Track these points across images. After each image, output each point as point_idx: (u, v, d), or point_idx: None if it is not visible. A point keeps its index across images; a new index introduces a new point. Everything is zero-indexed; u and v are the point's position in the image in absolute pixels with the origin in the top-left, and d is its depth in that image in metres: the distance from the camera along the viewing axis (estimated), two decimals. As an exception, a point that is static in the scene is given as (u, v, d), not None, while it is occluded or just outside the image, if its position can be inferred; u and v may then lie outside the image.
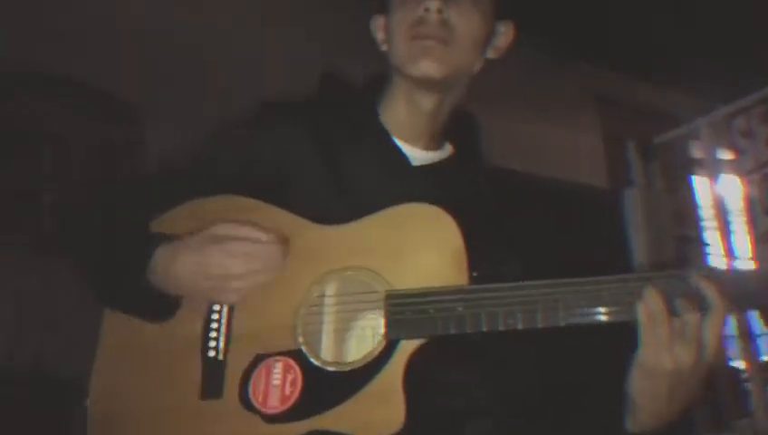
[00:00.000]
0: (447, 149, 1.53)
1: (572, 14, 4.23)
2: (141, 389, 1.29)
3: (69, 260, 1.42)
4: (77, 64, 3.27)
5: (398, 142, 1.44)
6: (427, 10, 1.36)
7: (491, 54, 1.49)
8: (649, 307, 1.13)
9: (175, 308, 1.31)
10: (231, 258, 1.26)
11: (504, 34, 1.50)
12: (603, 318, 1.17)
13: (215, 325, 1.29)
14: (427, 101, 1.43)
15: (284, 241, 1.29)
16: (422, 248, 1.25)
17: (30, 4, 3.15)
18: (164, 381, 1.28)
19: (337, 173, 1.38)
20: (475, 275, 1.24)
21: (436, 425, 1.24)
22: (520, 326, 1.18)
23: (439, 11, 1.36)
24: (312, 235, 1.30)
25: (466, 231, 1.26)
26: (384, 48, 1.47)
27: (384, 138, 1.44)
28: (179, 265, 1.27)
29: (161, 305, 1.31)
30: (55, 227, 1.45)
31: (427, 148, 1.48)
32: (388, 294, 1.23)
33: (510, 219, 1.50)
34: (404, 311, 1.22)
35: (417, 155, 1.45)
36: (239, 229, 1.28)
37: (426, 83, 1.39)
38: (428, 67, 1.36)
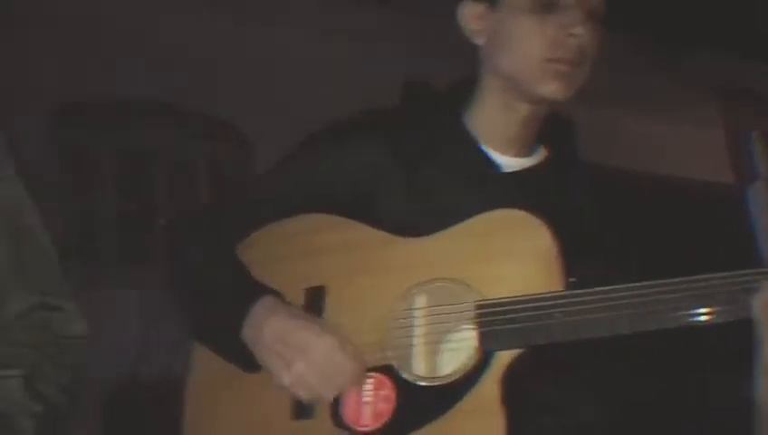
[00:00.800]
0: (541, 153, 1.45)
1: (687, 5, 4.07)
2: (232, 410, 1.29)
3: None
4: (189, 92, 3.39)
5: (488, 150, 1.37)
6: (572, 36, 1.28)
7: None
8: (766, 299, 1.03)
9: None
10: (318, 344, 1.20)
11: None
12: (716, 318, 1.07)
13: None
14: (524, 108, 1.35)
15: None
16: (512, 255, 1.20)
17: (138, 38, 3.29)
18: (254, 401, 1.27)
19: (421, 185, 1.33)
20: (572, 280, 1.17)
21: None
22: (626, 331, 1.10)
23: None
24: (397, 249, 1.27)
25: (561, 235, 1.19)
26: (479, 41, 1.38)
27: (471, 146, 1.37)
28: (270, 323, 1.23)
29: (249, 361, 1.27)
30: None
31: (519, 154, 1.40)
32: (478, 305, 1.18)
33: (615, 222, 1.41)
34: (496, 321, 1.16)
35: (508, 162, 1.38)
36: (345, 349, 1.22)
37: (543, 102, 1.33)
38: (557, 91, 1.29)
